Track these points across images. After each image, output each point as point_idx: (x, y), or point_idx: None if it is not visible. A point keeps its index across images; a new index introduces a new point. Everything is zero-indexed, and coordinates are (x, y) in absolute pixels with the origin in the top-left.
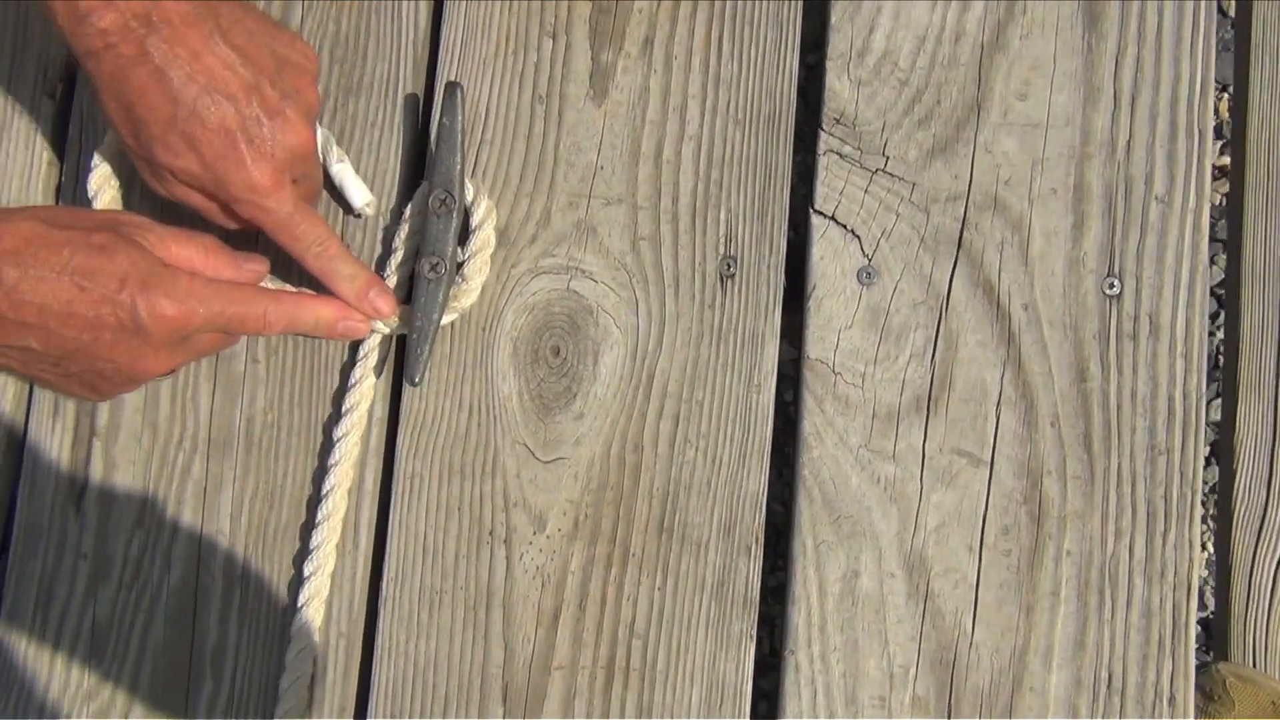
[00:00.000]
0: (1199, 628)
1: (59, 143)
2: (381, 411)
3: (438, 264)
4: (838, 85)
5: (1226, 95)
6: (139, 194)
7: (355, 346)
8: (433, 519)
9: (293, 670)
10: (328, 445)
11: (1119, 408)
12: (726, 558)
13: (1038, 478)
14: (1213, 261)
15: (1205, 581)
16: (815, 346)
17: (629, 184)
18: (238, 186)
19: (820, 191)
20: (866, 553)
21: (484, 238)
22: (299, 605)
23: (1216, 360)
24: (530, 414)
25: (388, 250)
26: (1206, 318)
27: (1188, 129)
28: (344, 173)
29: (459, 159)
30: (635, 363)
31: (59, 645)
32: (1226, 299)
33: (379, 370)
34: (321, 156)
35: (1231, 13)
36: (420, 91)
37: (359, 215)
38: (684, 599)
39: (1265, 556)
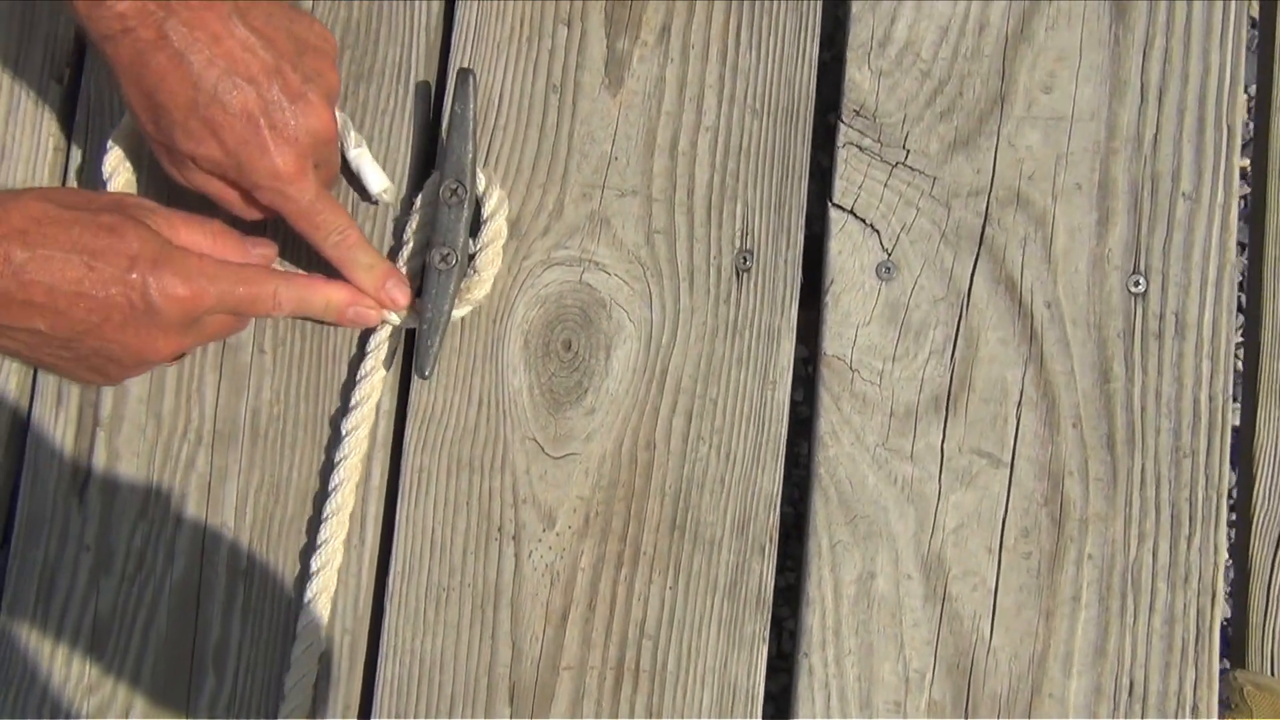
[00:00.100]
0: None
1: (66, 128)
2: (389, 404)
3: (448, 255)
4: (858, 76)
5: (1248, 95)
6: (145, 181)
7: (364, 339)
8: (440, 514)
9: (298, 668)
10: (335, 438)
11: (1143, 409)
12: (740, 557)
13: (1059, 479)
14: None
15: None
16: (832, 343)
17: (644, 175)
18: (260, 173)
19: (839, 185)
20: (883, 554)
21: (496, 228)
22: (305, 601)
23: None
24: (541, 409)
25: (399, 241)
26: (1234, 317)
27: (1216, 124)
28: (362, 157)
29: (471, 148)
30: (648, 357)
31: (60, 638)
32: (1247, 302)
33: (388, 364)
34: (339, 140)
35: (1255, 14)
36: (432, 79)
37: (375, 201)
38: (696, 599)
39: None
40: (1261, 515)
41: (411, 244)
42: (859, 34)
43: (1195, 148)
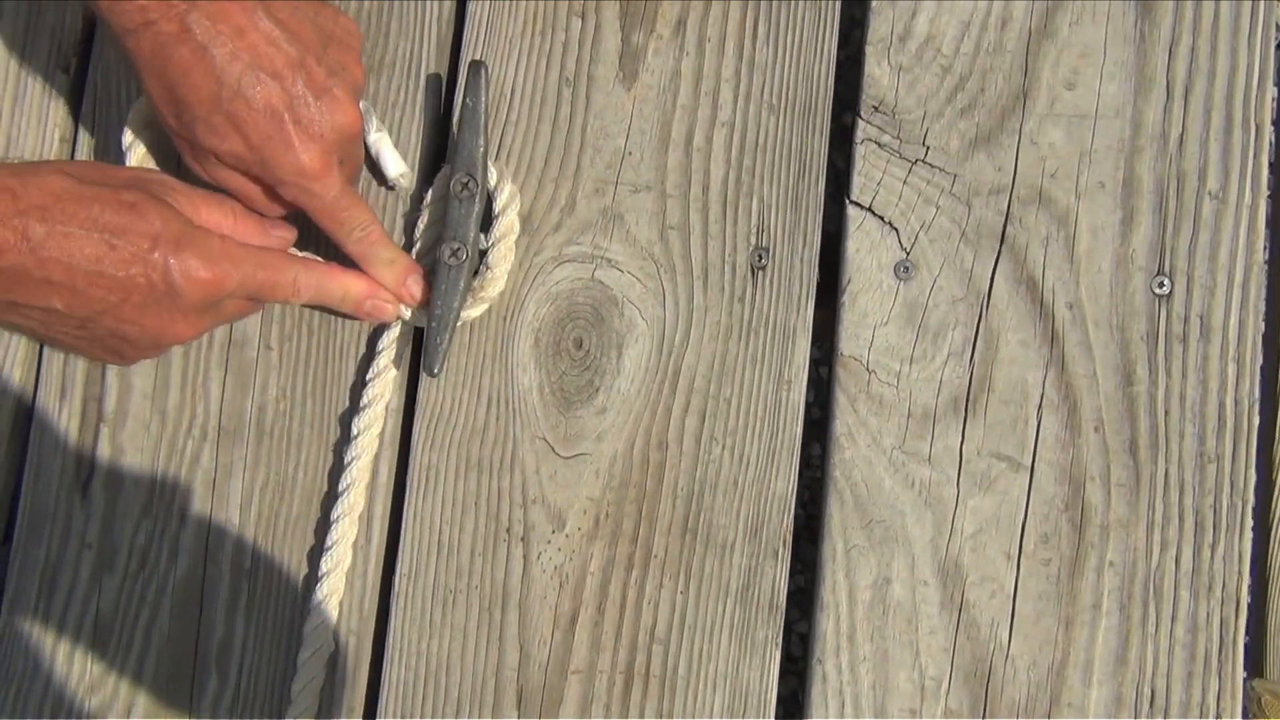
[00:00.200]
0: None
1: (72, 118)
2: (397, 401)
3: (459, 250)
4: (877, 71)
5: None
6: (160, 153)
7: (374, 339)
8: (448, 514)
9: (305, 673)
10: (345, 438)
11: (1167, 413)
12: (752, 560)
13: (1080, 484)
14: None
15: None
16: (849, 343)
17: (658, 170)
18: (284, 169)
19: (857, 182)
20: (899, 559)
21: (507, 224)
22: (313, 605)
23: None
24: (551, 408)
25: (409, 236)
26: (1261, 320)
27: (1244, 122)
28: (381, 142)
29: (482, 142)
30: (661, 356)
31: (62, 636)
32: (1269, 304)
33: (399, 363)
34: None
35: None
36: (443, 71)
37: (393, 186)
38: (707, 603)
39: None
40: None
41: (421, 241)
42: (878, 29)
43: (1222, 146)
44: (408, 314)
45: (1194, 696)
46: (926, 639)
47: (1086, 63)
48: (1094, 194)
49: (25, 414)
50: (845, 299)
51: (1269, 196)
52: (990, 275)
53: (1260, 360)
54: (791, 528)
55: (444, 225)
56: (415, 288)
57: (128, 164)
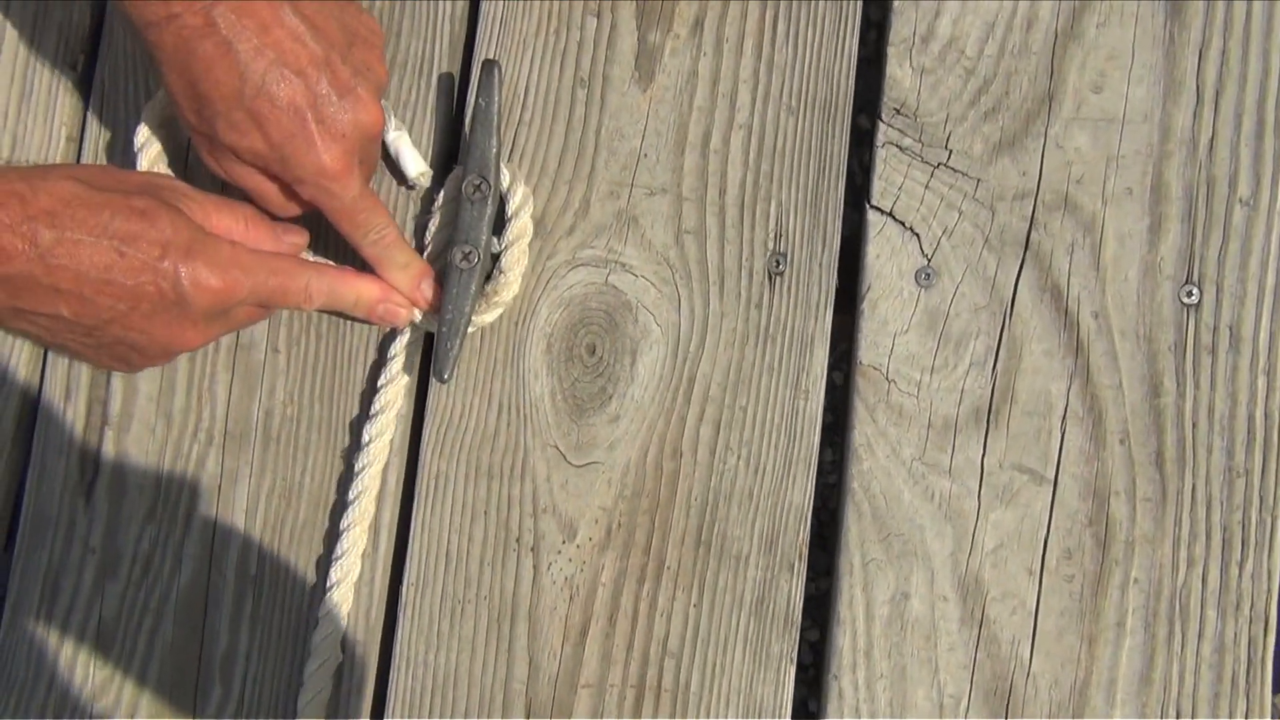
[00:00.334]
0: None
1: (79, 117)
2: (406, 407)
3: (471, 253)
4: (899, 73)
5: None
6: (172, 154)
7: (385, 344)
8: (457, 522)
9: (312, 686)
10: (353, 444)
11: (1194, 425)
12: (767, 573)
13: (1105, 498)
14: None
15: None
16: (869, 351)
17: (674, 173)
18: (305, 168)
19: (877, 185)
20: (918, 573)
21: (520, 226)
22: (321, 616)
23: None
24: (563, 415)
25: (420, 239)
26: None
27: (1276, 128)
28: (400, 141)
29: (495, 143)
30: (676, 364)
31: (64, 642)
32: None
33: (409, 370)
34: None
35: None
36: (456, 70)
37: (412, 185)
38: (721, 616)
39: None
40: None
41: (432, 244)
42: (900, 29)
43: (1254, 152)
44: (419, 318)
45: (1221, 717)
46: (946, 656)
47: (1114, 65)
48: (1121, 200)
49: (29, 417)
50: (865, 306)
51: None
52: (1014, 283)
53: None
54: (808, 540)
55: (455, 228)
56: (429, 292)
57: (139, 164)
